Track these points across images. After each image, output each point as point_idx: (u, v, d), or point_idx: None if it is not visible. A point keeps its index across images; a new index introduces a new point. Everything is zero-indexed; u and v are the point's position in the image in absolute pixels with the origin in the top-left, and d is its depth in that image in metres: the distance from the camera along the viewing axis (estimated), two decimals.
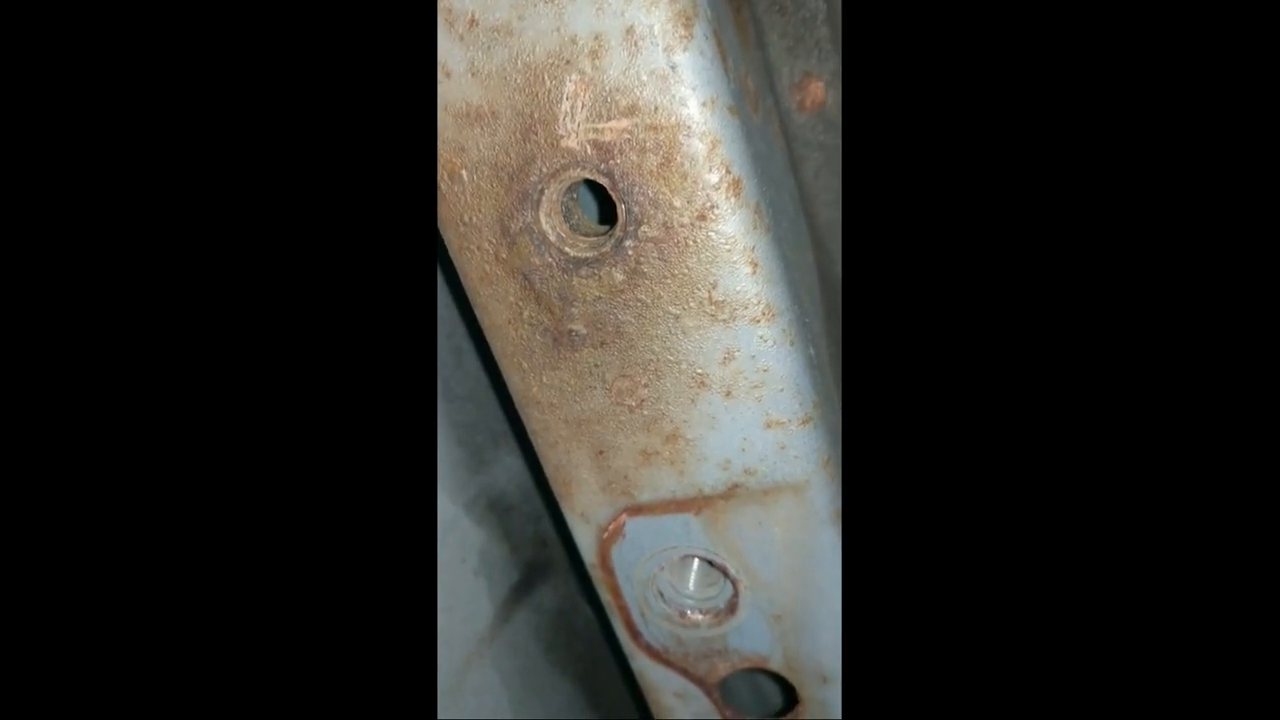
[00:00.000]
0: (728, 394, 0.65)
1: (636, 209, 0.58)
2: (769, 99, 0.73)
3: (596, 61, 0.54)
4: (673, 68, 0.53)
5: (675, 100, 0.54)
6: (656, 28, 0.52)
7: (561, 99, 0.56)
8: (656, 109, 0.55)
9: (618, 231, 0.60)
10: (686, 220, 0.58)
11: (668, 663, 0.86)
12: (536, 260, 0.62)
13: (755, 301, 0.61)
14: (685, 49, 0.53)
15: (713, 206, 0.57)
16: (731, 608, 0.79)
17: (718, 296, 0.61)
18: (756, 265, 0.60)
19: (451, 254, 0.65)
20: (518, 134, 0.58)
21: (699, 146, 0.55)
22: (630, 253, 0.60)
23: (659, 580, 0.79)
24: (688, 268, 0.60)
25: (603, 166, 0.57)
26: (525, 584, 1.11)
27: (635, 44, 0.53)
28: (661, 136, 0.55)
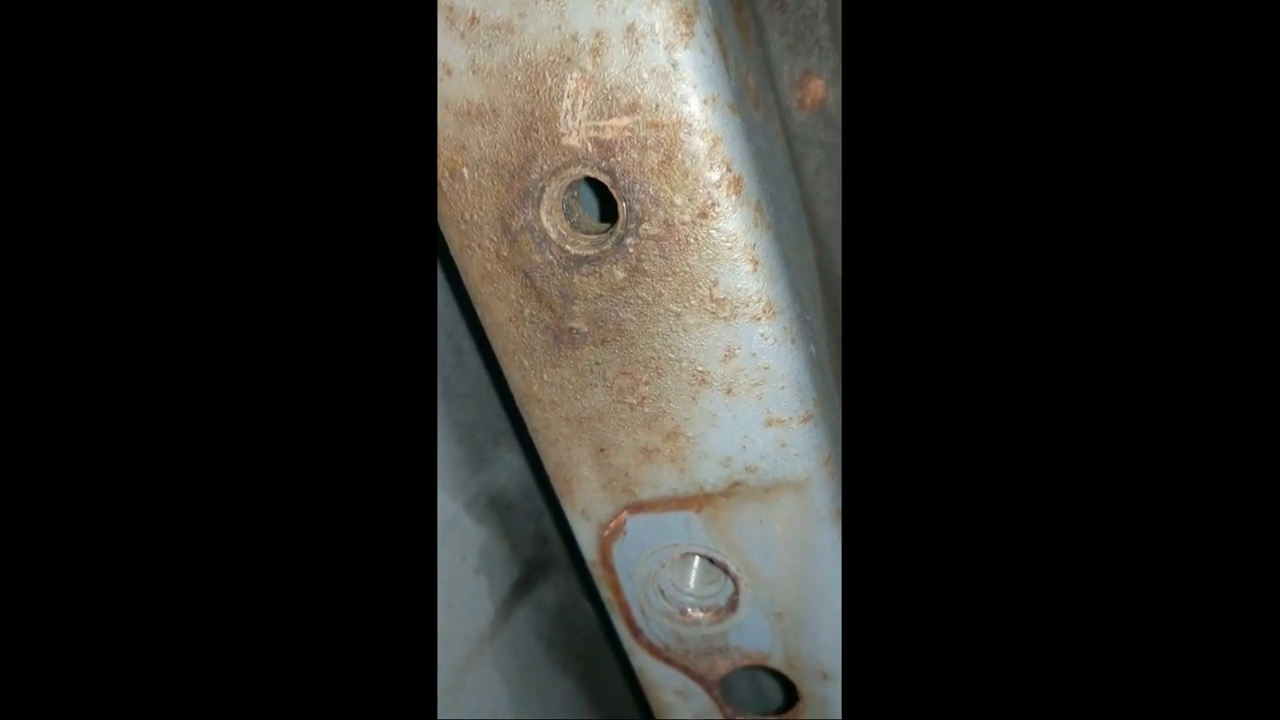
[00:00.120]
0: (728, 391, 0.65)
1: (637, 206, 0.58)
2: (769, 96, 0.73)
3: (598, 59, 0.54)
4: (674, 65, 0.53)
5: (676, 98, 0.54)
6: (657, 25, 0.52)
7: (562, 96, 0.56)
8: (657, 106, 0.55)
9: (619, 229, 0.60)
10: (687, 218, 0.58)
11: (668, 660, 0.86)
12: (537, 258, 0.62)
13: (756, 299, 0.61)
14: (686, 46, 0.53)
15: (714, 204, 0.57)
16: (732, 605, 0.79)
17: (719, 294, 0.61)
18: (757, 263, 0.60)
19: (452, 252, 0.65)
20: (519, 131, 0.58)
21: (700, 144, 0.56)
22: (631, 250, 0.60)
23: (660, 578, 0.79)
24: (689, 265, 0.60)
25: (604, 164, 0.57)
26: (526, 582, 1.11)
27: (636, 42, 0.53)
28: (662, 134, 0.56)
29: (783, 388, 0.64)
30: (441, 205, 0.62)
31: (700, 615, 0.81)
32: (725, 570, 0.77)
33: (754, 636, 0.81)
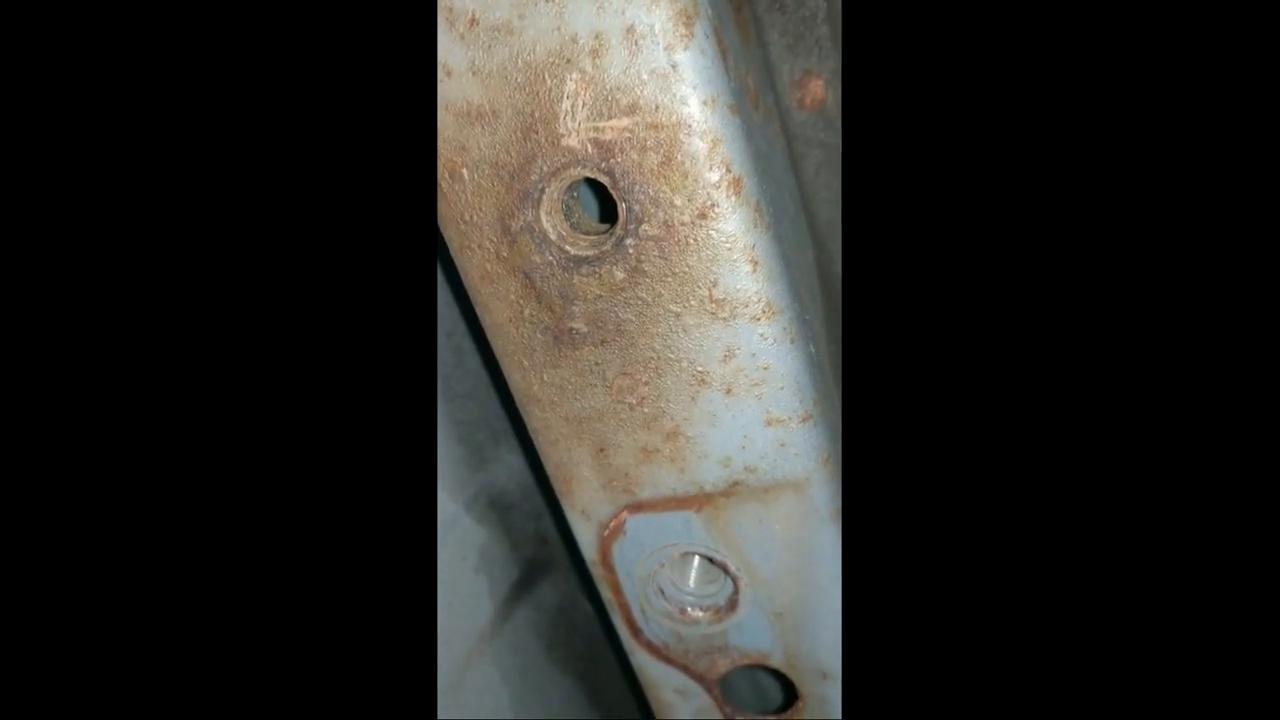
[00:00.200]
0: (728, 391, 0.65)
1: (637, 207, 0.58)
2: (769, 97, 0.73)
3: (597, 60, 0.54)
4: (673, 66, 0.53)
5: (676, 99, 0.54)
6: (657, 26, 0.53)
7: (562, 98, 0.56)
8: (657, 107, 0.55)
9: (618, 230, 0.60)
10: (687, 218, 0.58)
11: (668, 660, 0.86)
12: (537, 258, 0.63)
13: (756, 299, 0.61)
14: (686, 48, 0.53)
15: (713, 205, 0.57)
16: (732, 605, 0.79)
17: (718, 294, 0.61)
18: (757, 263, 0.60)
19: (452, 252, 0.65)
20: (518, 133, 0.58)
21: (699, 145, 0.56)
22: (631, 251, 0.60)
23: (659, 577, 0.80)
24: (688, 266, 0.60)
25: (603, 165, 0.57)
26: (526, 581, 1.12)
27: (636, 43, 0.53)
28: (662, 135, 0.56)
29: (782, 388, 0.64)
30: (441, 206, 0.62)
31: (700, 615, 0.81)
32: (725, 570, 0.77)
33: (754, 636, 0.81)
